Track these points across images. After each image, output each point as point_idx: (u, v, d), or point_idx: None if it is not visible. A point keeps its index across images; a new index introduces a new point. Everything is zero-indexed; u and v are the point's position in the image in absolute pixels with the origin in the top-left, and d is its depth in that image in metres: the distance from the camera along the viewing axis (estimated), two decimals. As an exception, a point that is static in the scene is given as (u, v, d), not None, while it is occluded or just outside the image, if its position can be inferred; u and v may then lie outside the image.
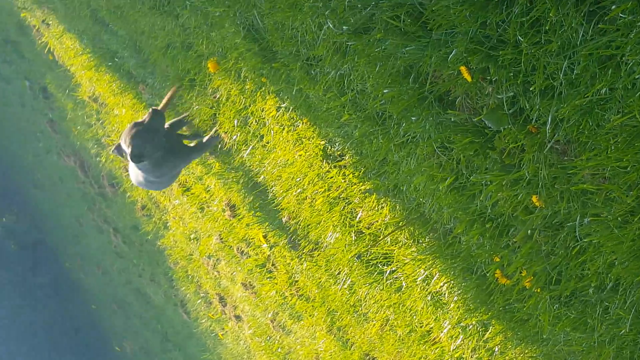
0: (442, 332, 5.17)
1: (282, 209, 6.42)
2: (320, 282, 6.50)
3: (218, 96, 6.26)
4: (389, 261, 5.39)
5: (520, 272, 4.14)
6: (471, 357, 5.03)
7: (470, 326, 4.90)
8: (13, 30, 12.27)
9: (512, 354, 4.65)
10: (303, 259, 6.65)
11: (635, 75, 2.65)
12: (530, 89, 3.15)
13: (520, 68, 3.13)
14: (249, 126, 6.08)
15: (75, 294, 21.58)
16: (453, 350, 5.14)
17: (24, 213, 22.21)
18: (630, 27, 2.53)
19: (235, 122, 6.24)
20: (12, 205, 22.45)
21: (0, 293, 22.66)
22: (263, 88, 5.52)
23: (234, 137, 6.47)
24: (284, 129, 5.59)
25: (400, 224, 5.10)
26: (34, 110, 13.36)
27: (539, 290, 4.05)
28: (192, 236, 9.02)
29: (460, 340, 5.02)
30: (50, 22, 10.16)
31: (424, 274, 5.02)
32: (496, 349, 4.79)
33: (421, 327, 5.40)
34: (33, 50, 11.38)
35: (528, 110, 3.28)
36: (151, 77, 7.55)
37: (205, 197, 7.95)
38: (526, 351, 4.52)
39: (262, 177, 6.44)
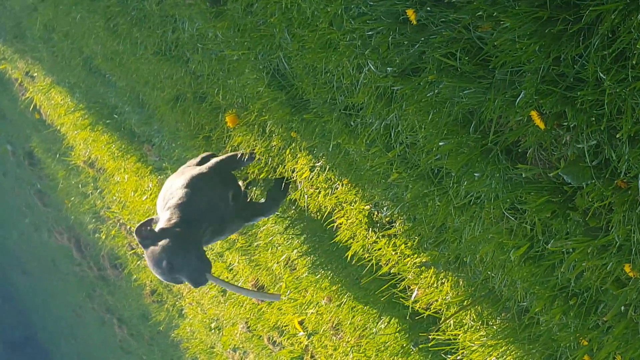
0: None
1: (320, 289, 6.42)
2: (370, 377, 6.49)
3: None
4: (453, 349, 5.37)
5: (614, 358, 4.12)
6: None
7: None
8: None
9: None
10: (349, 349, 6.64)
11: None
12: (617, 135, 3.13)
13: (603, 111, 3.10)
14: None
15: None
16: None
17: (10, 305, 22.28)
18: None
19: (258, 189, 6.27)
20: (-4, 297, 22.60)
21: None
22: (293, 144, 5.52)
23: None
24: (320, 192, 5.60)
25: (465, 303, 5.09)
26: (19, 180, 13.42)
27: None
28: (212, 325, 9.02)
29: None
30: (36, 74, 10.23)
31: (496, 363, 5.01)
32: None
33: None
34: (15, 108, 11.45)
35: (615, 162, 3.26)
36: (158, 136, 7.58)
37: (227, 277, 7.95)
38: None
39: (294, 251, 6.44)
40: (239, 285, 6.12)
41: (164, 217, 5.54)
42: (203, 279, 5.25)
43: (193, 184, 5.68)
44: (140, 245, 5.44)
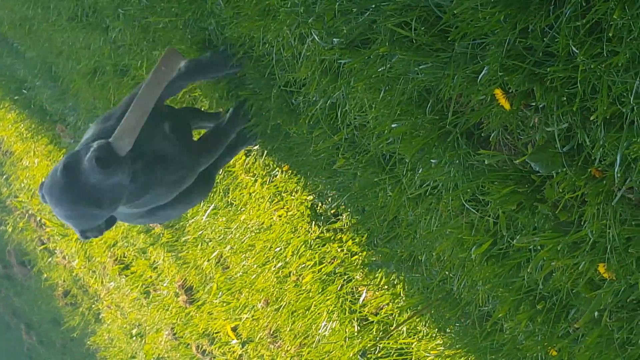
0: None
1: (256, 291, 6.42)
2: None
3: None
4: (405, 359, 5.40)
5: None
6: None
7: None
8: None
9: None
10: (289, 358, 6.65)
11: None
12: (591, 118, 3.13)
13: (576, 89, 3.10)
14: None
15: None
16: None
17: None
18: None
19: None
20: None
21: None
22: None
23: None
24: (256, 180, 5.60)
25: (419, 308, 5.11)
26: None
27: None
28: (134, 332, 9.03)
29: None
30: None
31: (453, 375, 5.03)
32: None
33: None
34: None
35: (589, 147, 3.26)
36: (73, 114, 7.57)
37: (151, 276, 7.95)
38: None
39: (227, 247, 6.45)
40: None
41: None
42: (105, 150, 4.24)
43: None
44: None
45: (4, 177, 9.95)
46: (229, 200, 5.90)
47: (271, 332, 6.62)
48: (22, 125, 8.71)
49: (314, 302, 5.86)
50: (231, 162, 5.63)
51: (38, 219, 9.61)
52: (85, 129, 7.49)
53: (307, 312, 6.06)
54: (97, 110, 6.86)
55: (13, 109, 8.72)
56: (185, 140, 4.87)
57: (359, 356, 5.78)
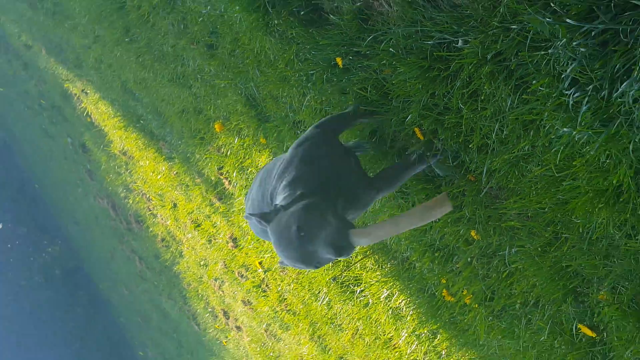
0: (400, 339, 5.18)
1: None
2: (304, 299, 6.50)
3: (222, 149, 6.29)
4: (358, 282, 5.40)
5: (462, 292, 4.17)
6: (423, 359, 5.06)
7: (423, 334, 4.91)
8: (58, 98, 12.30)
9: (455, 356, 4.67)
10: (291, 281, 6.65)
11: (551, 135, 2.70)
12: (470, 146, 3.16)
13: (462, 129, 3.12)
14: (249, 175, 6.09)
15: (107, 309, 21.51)
16: (409, 353, 5.15)
17: (66, 245, 22.14)
18: (547, 98, 2.58)
19: (235, 173, 6.26)
20: (56, 238, 22.42)
21: (46, 309, 22.64)
22: (257, 145, 5.52)
23: (236, 184, 6.49)
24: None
25: (367, 253, 5.11)
26: (75, 162, 13.35)
27: (476, 306, 4.08)
28: (201, 263, 9.00)
29: (415, 345, 5.03)
30: (88, 92, 10.19)
31: (386, 293, 5.03)
32: (443, 352, 4.80)
33: (384, 335, 5.40)
34: (74, 113, 11.40)
35: (468, 163, 3.31)
36: (169, 136, 7.57)
37: (212, 231, 7.94)
38: (467, 354, 4.54)
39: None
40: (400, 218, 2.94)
41: (279, 198, 3.25)
42: (346, 241, 2.88)
43: (303, 154, 3.34)
44: (262, 223, 3.11)
45: (128, 171, 9.92)
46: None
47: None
48: (139, 141, 8.68)
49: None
50: (260, 165, 5.67)
51: (148, 195, 9.59)
52: (176, 145, 7.54)
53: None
54: (183, 133, 6.84)
55: (134, 131, 8.70)
56: (367, 176, 3.44)
57: (331, 280, 5.78)
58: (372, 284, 5.15)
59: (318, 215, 2.92)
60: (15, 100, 17.16)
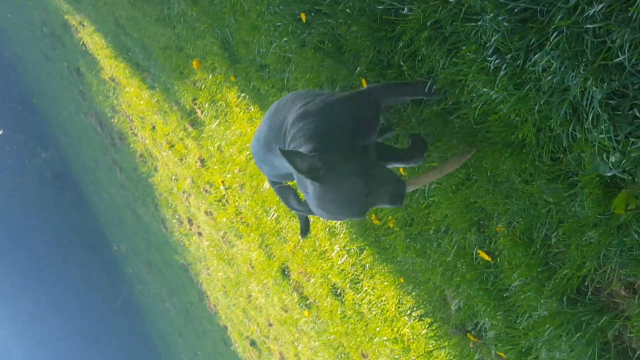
0: (333, 252, 5.22)
1: (235, 165, 6.43)
2: (257, 214, 6.52)
3: (197, 83, 6.24)
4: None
5: (387, 217, 4.22)
6: (350, 269, 5.12)
7: (352, 250, 4.95)
8: (58, 27, 12.15)
9: (377, 269, 4.73)
10: (247, 198, 6.67)
11: (473, 94, 2.72)
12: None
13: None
14: (218, 107, 6.07)
15: (89, 210, 21.48)
16: (339, 264, 5.20)
17: (58, 152, 22.05)
18: (473, 62, 2.60)
19: (207, 104, 6.23)
20: (49, 146, 22.32)
21: (37, 205, 22.65)
22: (227, 83, 5.50)
23: (207, 114, 6.46)
24: (241, 110, 5.59)
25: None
26: (69, 84, 13.20)
27: (397, 230, 4.12)
28: (173, 177, 8.97)
29: (344, 258, 5.08)
30: (85, 24, 10.05)
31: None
32: (367, 265, 4.86)
33: (320, 248, 5.44)
34: (72, 42, 11.24)
35: (402, 112, 3.33)
36: (153, 68, 7.50)
37: (184, 152, 7.90)
38: (386, 268, 4.60)
39: (224, 142, 6.44)
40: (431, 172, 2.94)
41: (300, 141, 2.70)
42: (404, 192, 2.61)
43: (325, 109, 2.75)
44: (309, 179, 2.54)
45: (115, 95, 9.81)
46: (227, 119, 5.96)
47: (240, 185, 6.64)
48: (126, 70, 8.60)
49: (261, 180, 5.87)
50: (229, 100, 5.64)
51: (131, 117, 9.52)
52: (159, 76, 7.46)
53: (257, 177, 6.06)
54: (165, 67, 6.78)
55: (123, 62, 8.61)
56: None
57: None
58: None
59: (380, 172, 2.60)
60: (20, 26, 17.05)
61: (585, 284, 2.81)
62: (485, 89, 2.57)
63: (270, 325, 7.92)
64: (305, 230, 3.53)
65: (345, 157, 2.58)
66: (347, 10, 3.21)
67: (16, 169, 23.12)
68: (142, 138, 9.55)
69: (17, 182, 23.02)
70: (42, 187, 22.96)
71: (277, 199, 5.81)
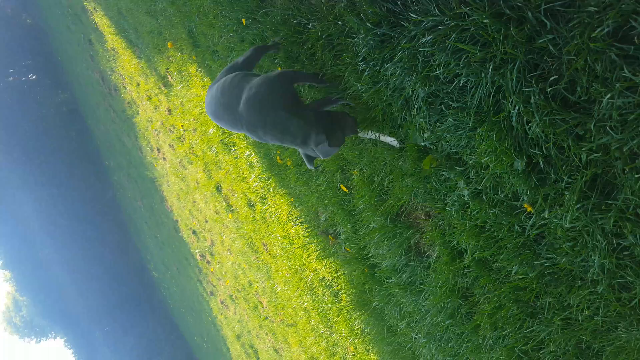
0: (251, 178, 5.17)
1: (191, 115, 6.26)
2: (203, 149, 6.38)
3: (170, 58, 6.01)
4: (234, 145, 5.34)
5: (287, 159, 4.19)
6: (261, 190, 5.10)
7: (262, 178, 4.92)
8: (79, 9, 11.41)
9: (278, 190, 4.72)
10: (197, 138, 6.51)
11: (347, 85, 2.72)
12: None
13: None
14: (183, 76, 5.87)
15: (90, 136, 20.72)
16: (254, 186, 5.17)
17: (72, 95, 21.10)
18: (349, 65, 2.56)
19: (176, 73, 6.03)
20: (66, 90, 21.36)
21: (54, 129, 21.71)
22: (190, 60, 5.32)
23: (175, 79, 6.25)
24: (198, 80, 5.42)
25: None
26: (84, 49, 12.48)
27: (293, 167, 4.08)
28: (148, 119, 8.64)
29: (257, 182, 5.05)
30: (97, 10, 9.48)
31: (247, 153, 4.98)
32: (271, 188, 4.82)
33: (242, 175, 5.40)
34: (87, 20, 10.60)
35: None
36: (141, 44, 7.14)
37: (157, 103, 7.60)
38: (283, 190, 4.55)
39: (185, 99, 6.24)
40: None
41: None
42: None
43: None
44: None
45: (114, 60, 9.33)
46: (189, 85, 5.82)
47: (194, 129, 6.48)
48: (123, 44, 8.16)
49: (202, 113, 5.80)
50: (190, 71, 5.51)
51: (123, 76, 9.08)
52: (145, 49, 7.15)
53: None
54: (149, 44, 6.48)
55: (121, 38, 8.16)
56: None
57: (219, 141, 5.68)
58: (241, 147, 5.13)
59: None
60: (52, 5, 16.21)
61: (402, 210, 2.91)
62: (355, 82, 2.59)
63: (206, 221, 7.87)
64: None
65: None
66: (273, 20, 3.13)
67: (43, 104, 22.17)
68: (130, 91, 9.16)
69: (42, 112, 22.01)
70: (59, 118, 22.03)
71: (218, 140, 5.72)
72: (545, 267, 2.08)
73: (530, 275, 2.14)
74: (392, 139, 2.57)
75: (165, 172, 9.17)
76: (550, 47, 1.63)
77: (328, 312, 4.65)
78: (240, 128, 2.58)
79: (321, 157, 2.49)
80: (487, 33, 1.77)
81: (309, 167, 2.65)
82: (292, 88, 2.58)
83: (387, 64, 2.31)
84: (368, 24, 2.30)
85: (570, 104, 1.68)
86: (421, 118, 2.27)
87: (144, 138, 9.66)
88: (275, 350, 6.98)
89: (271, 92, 2.51)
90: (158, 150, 8.99)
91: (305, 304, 5.12)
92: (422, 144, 2.40)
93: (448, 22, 1.89)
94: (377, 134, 2.62)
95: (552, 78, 1.67)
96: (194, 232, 9.10)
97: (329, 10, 2.67)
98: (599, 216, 1.75)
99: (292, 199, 4.45)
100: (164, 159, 8.79)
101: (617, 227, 1.73)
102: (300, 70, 2.99)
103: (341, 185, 3.41)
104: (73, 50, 14.72)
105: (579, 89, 1.62)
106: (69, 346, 32.74)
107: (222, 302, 9.31)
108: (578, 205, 1.77)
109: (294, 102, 2.52)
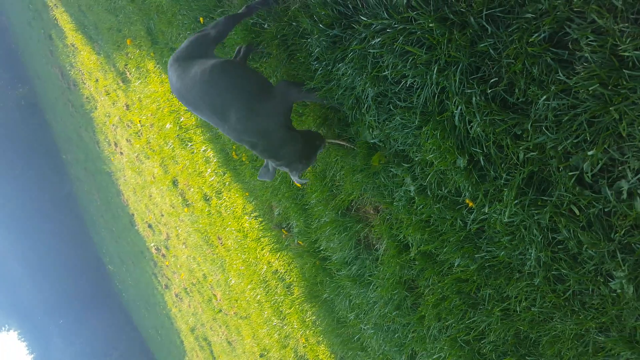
0: (207, 173, 5.12)
1: (149, 111, 6.12)
2: (160, 144, 6.24)
3: (129, 54, 5.87)
4: (191, 140, 5.27)
5: (242, 155, 4.14)
6: (216, 184, 5.04)
7: (218, 173, 4.88)
8: (40, 5, 11.01)
9: (233, 185, 4.68)
10: (154, 133, 6.37)
11: (302, 81, 2.71)
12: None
13: (263, 71, 3.09)
14: (141, 72, 5.74)
15: (48, 130, 20.11)
16: (210, 181, 5.11)
17: (32, 89, 20.30)
18: (303, 64, 2.56)
19: (134, 69, 5.89)
20: (26, 84, 20.63)
21: (13, 122, 20.96)
22: (148, 56, 5.21)
23: (133, 75, 6.10)
24: (156, 76, 5.32)
25: (197, 125, 4.96)
26: (43, 45, 12.02)
27: (247, 162, 4.06)
28: (107, 114, 8.41)
29: (213, 177, 5.00)
30: (58, 6, 9.14)
31: (204, 148, 4.92)
32: (227, 183, 4.77)
33: (199, 169, 5.32)
34: (48, 16, 10.20)
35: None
36: (100, 40, 6.93)
37: (116, 98, 7.40)
38: (239, 185, 4.55)
39: (143, 95, 6.10)
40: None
41: None
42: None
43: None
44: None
45: (74, 55, 9.04)
46: (147, 82, 5.69)
47: (151, 124, 6.35)
48: (82, 39, 7.91)
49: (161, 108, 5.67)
50: (148, 66, 5.37)
51: (82, 72, 8.81)
52: (104, 46, 6.95)
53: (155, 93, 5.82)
54: (109, 41, 6.31)
55: (81, 34, 7.90)
56: None
57: (176, 136, 5.59)
58: (197, 143, 5.05)
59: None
60: (13, 1, 15.54)
61: (352, 204, 2.92)
62: (309, 82, 2.57)
63: (162, 215, 7.72)
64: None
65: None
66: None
67: (1, 98, 21.38)
68: (88, 86, 8.87)
69: (1, 106, 21.22)
70: (19, 111, 21.31)
71: (174, 135, 5.61)
72: (485, 260, 2.11)
73: (472, 267, 2.18)
74: (351, 145, 2.55)
75: (122, 167, 8.94)
76: (491, 50, 1.66)
77: (280, 304, 4.63)
78: (221, 126, 2.36)
79: (291, 176, 2.49)
80: (432, 37, 1.79)
81: (298, 182, 2.57)
82: (292, 105, 2.46)
83: (339, 64, 2.30)
84: (321, 25, 2.29)
85: (509, 105, 1.71)
86: (371, 116, 2.28)
87: (101, 132, 9.40)
88: (228, 342, 6.91)
89: (273, 110, 2.35)
90: (115, 144, 8.76)
91: (258, 297, 5.09)
92: (372, 141, 2.41)
93: (396, 25, 1.90)
94: (339, 141, 2.60)
95: (492, 80, 1.70)
96: (149, 226, 8.90)
97: (284, 12, 2.65)
98: (536, 211, 1.79)
99: (247, 194, 4.42)
100: (121, 153, 8.57)
101: (552, 222, 1.76)
102: (303, 84, 2.57)
103: (296, 183, 3.38)
104: (33, 46, 14.25)
105: (517, 91, 1.65)
106: (22, 339, 31.60)
107: (176, 295, 9.16)
108: (516, 201, 1.81)
109: (290, 120, 2.44)
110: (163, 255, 8.85)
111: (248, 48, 2.87)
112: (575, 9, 1.44)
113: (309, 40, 2.45)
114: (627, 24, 1.36)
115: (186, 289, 8.28)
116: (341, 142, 2.59)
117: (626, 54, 1.36)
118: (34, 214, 22.59)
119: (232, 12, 3.07)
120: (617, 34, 1.37)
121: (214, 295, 6.83)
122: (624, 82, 1.38)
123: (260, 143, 2.38)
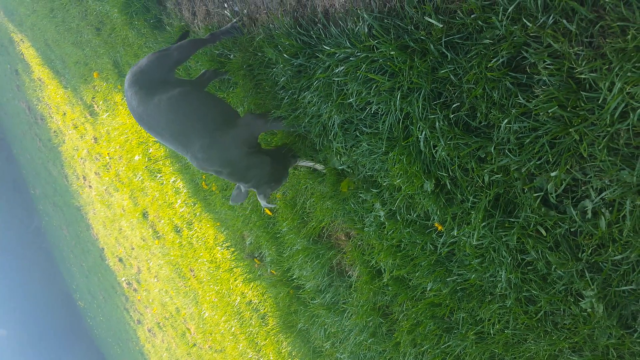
0: (177, 204, 5.06)
1: (117, 143, 6.04)
2: (129, 177, 6.17)
3: (96, 87, 5.80)
4: (160, 172, 5.21)
5: (212, 185, 4.11)
6: (187, 215, 4.98)
7: (189, 203, 4.82)
8: (6, 41, 10.84)
9: (203, 215, 4.63)
10: (123, 165, 6.29)
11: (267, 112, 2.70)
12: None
13: (235, 93, 3.08)
14: (109, 104, 5.68)
15: (16, 165, 19.59)
16: (181, 212, 5.05)
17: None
18: (269, 93, 2.58)
19: (102, 102, 5.82)
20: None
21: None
22: (116, 89, 5.16)
23: (101, 109, 6.03)
24: (124, 108, 5.25)
25: (165, 156, 4.92)
26: (10, 79, 11.84)
27: (218, 192, 4.04)
28: (75, 148, 8.28)
29: (183, 208, 4.93)
30: (24, 41, 9.03)
31: (173, 179, 4.88)
32: (197, 213, 4.74)
33: (169, 200, 5.26)
34: (14, 51, 10.07)
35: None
36: (67, 74, 6.86)
37: (84, 132, 7.31)
38: (210, 215, 4.50)
39: (111, 128, 6.03)
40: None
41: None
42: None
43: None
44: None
45: (40, 89, 8.90)
46: (118, 112, 5.60)
47: (119, 157, 6.26)
48: (49, 74, 7.80)
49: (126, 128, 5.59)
50: (115, 99, 5.30)
51: (49, 105, 8.68)
52: (71, 80, 6.86)
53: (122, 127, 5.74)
54: (75, 74, 6.24)
55: (48, 68, 7.79)
56: None
57: (145, 167, 5.52)
58: (167, 174, 4.99)
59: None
60: None
61: (323, 231, 2.90)
62: (274, 110, 2.57)
63: (133, 249, 7.56)
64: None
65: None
66: (200, 53, 3.07)
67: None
68: (56, 120, 8.74)
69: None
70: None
71: (143, 166, 5.53)
72: (457, 283, 2.10)
73: (444, 291, 2.16)
74: (322, 166, 2.54)
75: (91, 200, 8.76)
76: (452, 76, 1.67)
77: (255, 335, 4.54)
78: (184, 154, 2.33)
79: (259, 199, 2.51)
80: (394, 64, 1.80)
81: (266, 206, 2.56)
82: (257, 136, 2.45)
83: (304, 92, 2.31)
84: (285, 55, 2.29)
85: (472, 129, 1.72)
86: (338, 143, 2.28)
87: (69, 166, 9.23)
88: (204, 376, 6.73)
89: (237, 140, 2.34)
90: (84, 178, 8.60)
91: (233, 329, 4.99)
92: (340, 167, 2.41)
93: (359, 53, 1.92)
94: (309, 162, 2.59)
95: (454, 105, 1.72)
96: (120, 260, 8.71)
97: (249, 42, 2.65)
98: (503, 233, 1.79)
99: (218, 224, 4.36)
100: (90, 186, 8.42)
101: (520, 243, 1.77)
102: (268, 114, 2.57)
103: (265, 209, 3.35)
104: (0, 81, 14.01)
105: (479, 114, 1.67)
106: (-11, 382, 30.24)
107: (149, 330, 8.92)
108: (483, 224, 1.81)
109: (256, 146, 2.43)
110: (135, 290, 8.64)
111: (214, 73, 2.85)
112: (532, 34, 1.46)
113: (274, 69, 2.45)
114: (581, 47, 1.38)
115: (159, 323, 8.08)
116: (312, 164, 2.58)
117: (582, 76, 1.38)
118: (1, 249, 21.95)
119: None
120: (573, 57, 1.39)
121: (188, 329, 6.68)
122: (582, 104, 1.41)
123: (225, 171, 2.38)
